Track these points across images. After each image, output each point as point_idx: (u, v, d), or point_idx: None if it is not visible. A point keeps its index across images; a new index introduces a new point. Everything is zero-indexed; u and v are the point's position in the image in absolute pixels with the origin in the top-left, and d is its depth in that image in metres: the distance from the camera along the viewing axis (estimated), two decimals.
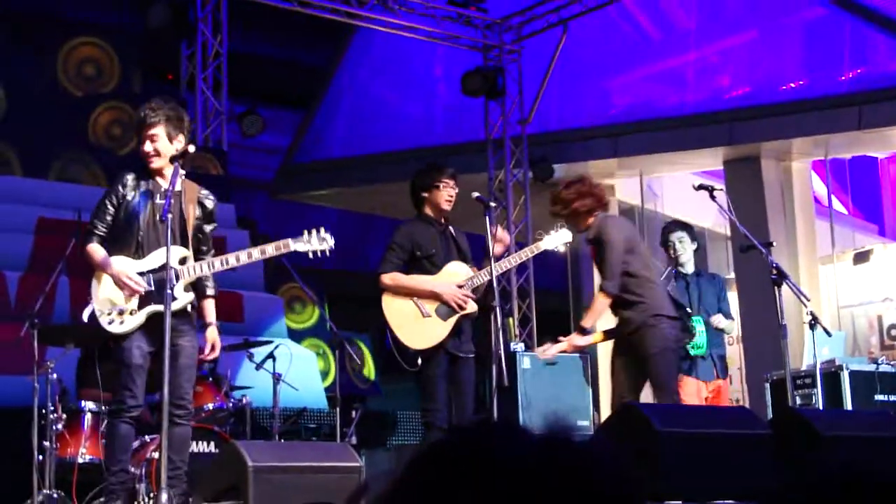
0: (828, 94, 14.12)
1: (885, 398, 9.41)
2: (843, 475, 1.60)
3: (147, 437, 7.77)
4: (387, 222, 19.30)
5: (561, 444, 1.34)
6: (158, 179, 6.49)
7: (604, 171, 16.60)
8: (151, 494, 6.30)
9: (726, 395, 9.36)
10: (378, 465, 10.72)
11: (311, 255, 6.81)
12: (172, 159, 6.36)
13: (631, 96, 16.31)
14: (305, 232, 6.78)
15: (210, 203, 6.67)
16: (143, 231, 6.39)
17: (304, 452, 6.88)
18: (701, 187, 8.06)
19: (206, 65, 14.68)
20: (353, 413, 10.09)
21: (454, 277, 7.35)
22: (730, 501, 6.12)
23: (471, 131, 16.75)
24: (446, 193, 7.44)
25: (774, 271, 7.69)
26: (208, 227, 6.66)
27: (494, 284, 7.12)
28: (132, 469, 7.42)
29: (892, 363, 9.84)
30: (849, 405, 9.20)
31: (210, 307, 6.70)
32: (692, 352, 8.89)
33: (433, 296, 7.27)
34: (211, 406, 8.55)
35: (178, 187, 6.48)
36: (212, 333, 6.67)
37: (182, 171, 6.37)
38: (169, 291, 6.12)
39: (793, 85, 14.66)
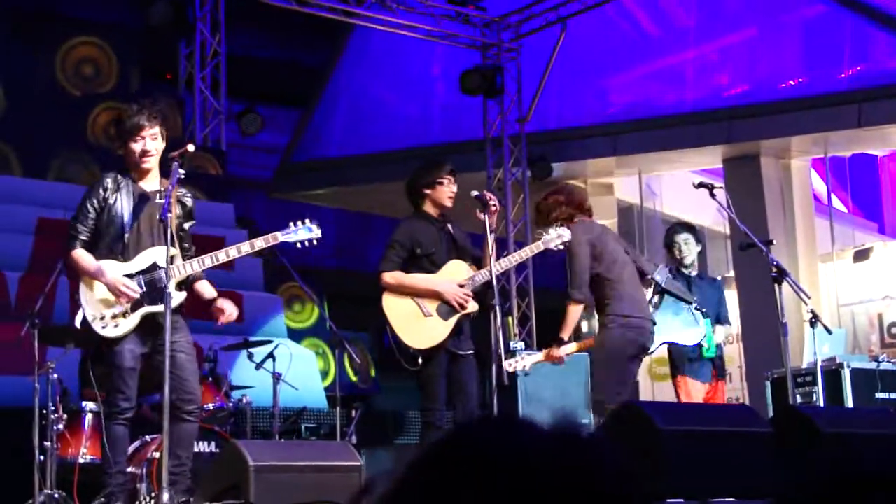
0: (827, 92, 14.12)
1: (886, 396, 9.41)
2: (847, 473, 1.59)
3: (148, 437, 7.77)
4: (385, 221, 19.30)
5: (565, 440, 1.34)
6: (140, 181, 6.48)
7: (602, 169, 16.61)
8: (153, 494, 6.29)
9: (723, 395, 9.35)
10: (378, 464, 10.71)
11: (299, 246, 6.81)
12: (171, 159, 6.35)
13: (630, 94, 16.31)
14: (292, 223, 6.79)
15: (189, 201, 6.67)
16: (128, 233, 6.38)
17: (305, 452, 6.88)
18: (701, 185, 8.06)
19: (205, 64, 14.69)
20: (353, 412, 10.08)
21: (454, 276, 7.32)
22: (731, 499, 6.12)
23: (469, 130, 16.75)
24: (449, 190, 7.43)
25: (775, 269, 7.69)
26: (187, 225, 6.65)
27: (494, 283, 7.12)
28: (133, 469, 7.42)
29: (892, 361, 9.84)
30: (850, 403, 9.20)
31: (206, 287, 6.68)
32: (704, 353, 8.89)
33: (434, 295, 7.25)
34: (211, 406, 8.55)
35: (158, 186, 6.50)
36: (222, 302, 6.66)
37: (182, 172, 6.35)
38: (169, 291, 6.12)
39: (792, 83, 14.66)
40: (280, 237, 6.73)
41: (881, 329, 14.72)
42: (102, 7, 18.12)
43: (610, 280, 7.70)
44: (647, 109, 15.72)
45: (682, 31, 16.11)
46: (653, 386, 15.54)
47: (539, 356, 7.94)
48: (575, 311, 7.69)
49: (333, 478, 6.45)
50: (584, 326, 17.00)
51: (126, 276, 6.32)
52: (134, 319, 6.31)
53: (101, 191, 6.41)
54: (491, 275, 7.12)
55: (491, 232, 7.18)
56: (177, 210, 6.50)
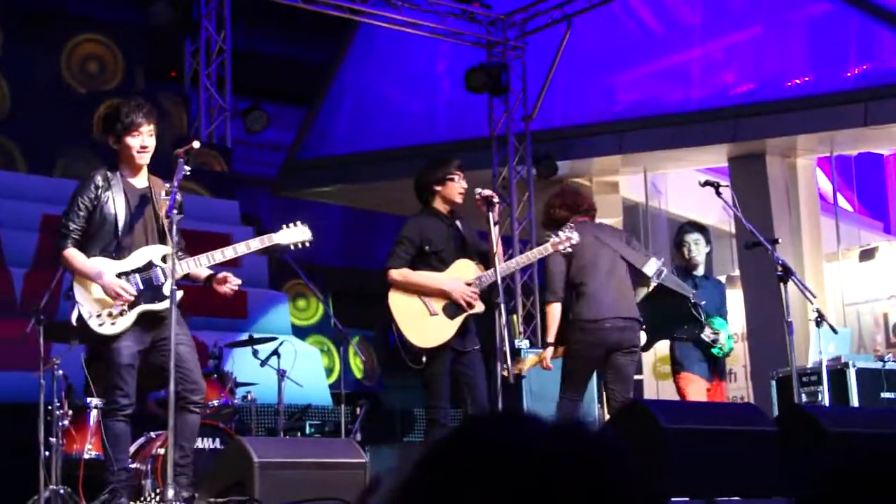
0: (833, 91, 14.10)
1: (892, 395, 9.39)
2: (852, 472, 1.59)
3: (153, 434, 7.78)
4: (390, 219, 19.29)
5: (573, 436, 1.33)
6: (128, 178, 6.48)
7: (608, 167, 16.61)
8: (157, 490, 6.30)
9: (724, 395, 9.33)
10: (383, 461, 10.72)
11: (292, 248, 6.82)
12: (177, 155, 6.35)
13: (635, 93, 16.30)
14: (284, 226, 6.80)
15: (178, 195, 6.64)
16: (121, 231, 6.37)
17: (310, 449, 6.88)
18: (707, 184, 8.06)
19: (210, 61, 14.69)
20: (358, 409, 10.08)
21: (462, 275, 7.29)
22: (736, 498, 6.12)
23: (474, 128, 16.73)
24: (459, 186, 7.40)
25: (780, 268, 7.69)
26: (177, 219, 6.63)
27: (499, 281, 7.11)
28: (137, 465, 7.43)
29: None
30: (855, 402, 9.19)
31: (199, 270, 6.65)
32: (715, 353, 8.89)
33: (442, 294, 7.22)
34: (216, 402, 8.55)
35: (147, 183, 6.51)
36: (220, 275, 6.64)
37: (187, 168, 6.36)
38: (175, 287, 6.13)
39: (798, 81, 14.64)
40: (275, 239, 6.75)
41: (886, 328, 14.70)
42: (107, 4, 18.11)
43: (577, 284, 7.84)
44: (653, 108, 15.71)
45: (688, 29, 16.09)
46: (657, 384, 15.53)
47: (534, 359, 8.07)
48: (551, 312, 7.86)
49: (338, 475, 6.45)
50: None
51: (121, 274, 6.31)
52: (131, 317, 6.30)
53: (92, 188, 6.38)
54: (496, 273, 7.11)
55: (495, 224, 7.18)
56: (164, 206, 6.50)
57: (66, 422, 7.72)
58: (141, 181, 6.52)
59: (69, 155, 12.65)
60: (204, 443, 8.05)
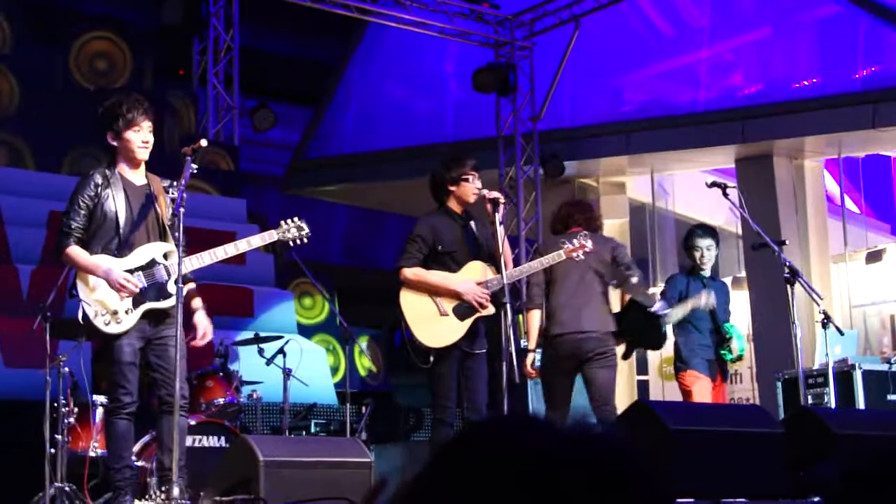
0: (841, 92, 14.07)
1: None
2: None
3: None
4: (397, 219, 19.31)
5: (580, 438, 1.33)
6: (127, 175, 6.47)
7: (615, 168, 16.59)
8: (163, 488, 6.29)
9: (725, 396, 9.32)
10: (389, 460, 10.72)
11: (291, 243, 6.82)
12: (184, 154, 6.36)
13: (643, 93, 16.28)
14: (282, 222, 6.81)
15: (175, 192, 6.62)
16: (122, 228, 6.36)
17: (315, 447, 6.88)
18: (714, 185, 8.07)
19: (218, 60, 14.73)
20: (364, 409, 10.09)
21: (474, 276, 7.28)
22: (742, 500, 6.11)
23: (482, 128, 16.72)
24: (474, 186, 7.38)
25: (787, 270, 7.69)
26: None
27: (505, 282, 7.10)
28: (143, 463, 7.43)
29: None
30: (861, 404, 9.18)
31: (192, 292, 6.66)
32: (726, 356, 8.90)
33: (453, 294, 7.21)
34: (221, 401, 8.56)
35: (145, 181, 6.51)
36: (201, 318, 6.66)
37: (195, 167, 6.36)
38: (181, 285, 6.13)
39: (806, 83, 14.61)
40: (275, 235, 6.77)
41: (893, 330, 14.68)
42: (117, 3, 18.14)
43: (547, 298, 8.02)
44: (661, 109, 15.68)
45: (696, 30, 16.07)
46: (663, 385, 15.52)
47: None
48: (530, 318, 8.02)
49: (343, 474, 6.45)
50: None
51: (124, 272, 6.30)
52: (136, 315, 6.30)
53: (91, 186, 6.36)
54: (502, 273, 7.10)
55: (500, 224, 7.18)
56: (165, 202, 6.50)
57: (71, 419, 7.73)
58: (140, 178, 6.52)
59: (77, 152, 12.67)
60: (209, 441, 8.06)
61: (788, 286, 7.67)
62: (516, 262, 7.72)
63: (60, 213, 6.54)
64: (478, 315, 7.23)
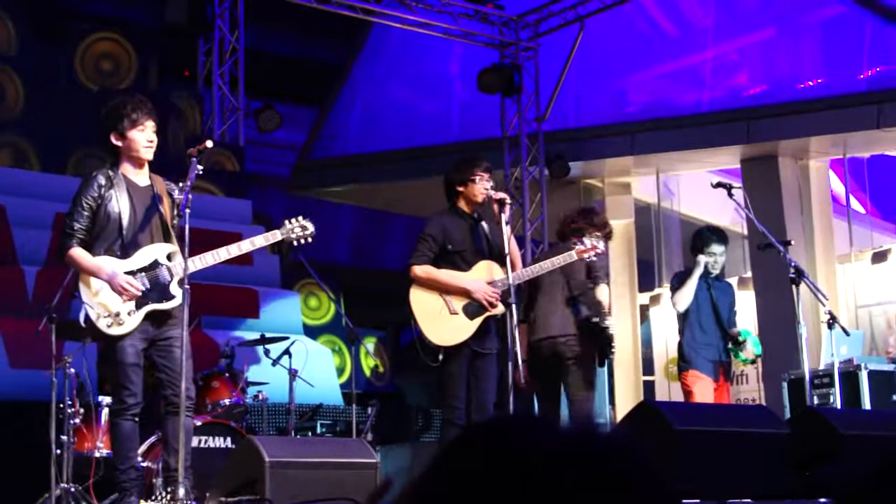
0: (846, 93, 14.07)
1: None
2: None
3: None
4: (402, 219, 19.32)
5: (585, 438, 1.33)
6: (130, 176, 6.47)
7: (620, 168, 16.58)
8: (169, 489, 6.29)
9: (729, 397, 9.31)
10: (395, 461, 10.72)
11: (296, 243, 6.82)
12: (190, 154, 6.35)
13: (648, 94, 16.27)
14: (286, 221, 6.81)
15: (177, 194, 6.61)
16: (125, 229, 6.35)
17: (321, 448, 6.89)
18: (719, 185, 8.07)
19: (223, 61, 14.73)
20: (369, 409, 10.09)
21: (484, 276, 7.31)
22: (748, 500, 6.11)
23: (487, 128, 16.72)
24: (482, 186, 7.40)
25: (793, 270, 7.69)
26: (177, 220, 6.62)
27: (511, 282, 7.11)
28: (149, 464, 7.44)
29: None
30: (867, 405, 9.17)
31: None
32: (740, 358, 8.92)
33: (464, 293, 7.24)
34: (227, 401, 8.57)
35: (149, 181, 6.50)
36: None
37: (200, 168, 6.36)
38: (187, 286, 6.14)
39: (811, 83, 14.61)
40: (279, 235, 6.77)
41: None
42: (122, 3, 18.17)
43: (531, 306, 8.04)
44: (666, 109, 15.68)
45: (701, 30, 16.07)
46: (668, 385, 15.51)
47: None
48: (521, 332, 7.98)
49: (349, 475, 6.46)
50: None
51: (127, 273, 6.29)
52: (138, 317, 6.29)
53: (95, 187, 6.34)
54: (509, 275, 7.11)
55: (506, 224, 7.19)
56: (167, 203, 6.50)
57: (77, 420, 7.74)
58: (143, 179, 6.50)
59: (82, 153, 12.67)
60: (215, 442, 8.06)
61: (794, 287, 7.67)
62: (522, 263, 7.70)
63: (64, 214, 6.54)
64: (487, 314, 7.24)
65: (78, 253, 6.29)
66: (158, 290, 6.35)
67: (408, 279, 7.33)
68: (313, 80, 19.93)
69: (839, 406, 8.88)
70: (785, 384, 9.86)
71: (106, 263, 6.28)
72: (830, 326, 8.10)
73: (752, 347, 8.85)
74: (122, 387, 6.26)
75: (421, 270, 7.28)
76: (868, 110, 13.84)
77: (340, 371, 13.42)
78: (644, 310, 16.75)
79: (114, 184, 6.37)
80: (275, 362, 9.24)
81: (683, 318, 8.97)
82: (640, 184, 17.10)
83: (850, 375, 9.29)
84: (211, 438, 8.10)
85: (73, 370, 7.60)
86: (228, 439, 8.12)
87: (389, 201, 18.60)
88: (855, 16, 14.49)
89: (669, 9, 16.48)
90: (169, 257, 6.42)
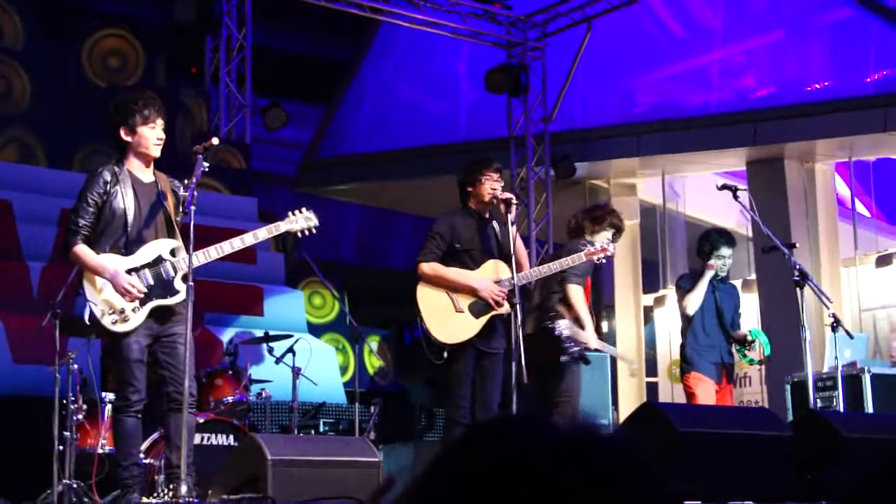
0: (853, 96, 14.05)
1: None
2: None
3: None
4: (408, 218, 19.31)
5: (586, 438, 1.33)
6: (136, 172, 6.46)
7: (626, 169, 16.58)
8: (171, 486, 6.30)
9: (731, 399, 9.31)
10: (398, 460, 10.72)
11: (300, 234, 6.82)
12: (196, 152, 6.36)
13: (654, 95, 16.27)
14: (290, 213, 6.81)
15: (181, 191, 6.61)
16: (131, 226, 6.35)
17: (323, 446, 6.89)
18: (724, 187, 8.07)
19: (231, 58, 14.74)
20: (372, 408, 10.10)
21: (492, 274, 7.31)
22: (749, 503, 6.11)
23: (493, 128, 16.72)
24: (489, 186, 7.42)
25: (797, 273, 7.68)
26: (180, 217, 6.61)
27: (515, 281, 7.11)
28: (151, 461, 7.44)
29: None
30: (870, 408, 9.17)
31: None
32: (748, 360, 8.93)
33: (470, 291, 7.25)
34: (230, 399, 8.57)
35: (153, 178, 6.50)
36: None
37: (206, 165, 6.36)
38: (192, 283, 6.14)
39: (818, 86, 14.60)
40: (283, 227, 6.77)
41: None
42: (130, 1, 18.18)
43: None
44: (672, 110, 15.67)
45: (709, 32, 16.06)
46: (672, 387, 15.50)
47: None
48: None
49: (351, 473, 6.46)
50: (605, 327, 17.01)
51: (131, 269, 6.29)
52: (143, 314, 6.29)
53: (100, 183, 6.34)
54: (513, 274, 7.11)
55: (512, 224, 7.20)
56: (171, 200, 6.51)
57: (80, 416, 7.74)
58: (148, 176, 6.50)
59: (88, 149, 12.68)
60: (218, 439, 8.07)
61: (798, 289, 7.67)
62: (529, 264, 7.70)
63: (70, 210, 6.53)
64: (493, 313, 7.25)
65: (82, 250, 6.29)
66: (162, 285, 6.36)
67: (415, 276, 7.35)
68: (321, 78, 19.93)
69: (842, 409, 8.88)
70: (788, 387, 9.86)
71: (109, 262, 6.28)
72: (834, 329, 8.11)
73: (761, 348, 8.84)
74: (126, 383, 6.26)
75: (428, 267, 7.30)
76: (875, 114, 13.83)
77: (344, 369, 13.42)
78: (648, 311, 16.74)
79: (119, 180, 6.37)
80: (278, 360, 9.25)
81: (687, 320, 8.96)
82: (645, 185, 17.09)
83: (853, 379, 9.29)
84: (214, 436, 8.11)
85: (76, 366, 7.61)
86: (231, 437, 8.13)
87: (395, 200, 18.60)
88: (862, 19, 14.49)
89: (677, 10, 16.48)
90: (173, 253, 6.43)
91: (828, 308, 8.16)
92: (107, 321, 6.24)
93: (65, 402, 7.50)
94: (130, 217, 6.34)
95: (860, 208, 17.31)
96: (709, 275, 8.86)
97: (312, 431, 10.25)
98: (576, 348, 7.95)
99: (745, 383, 14.04)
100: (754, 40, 15.63)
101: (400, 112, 17.96)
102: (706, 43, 16.01)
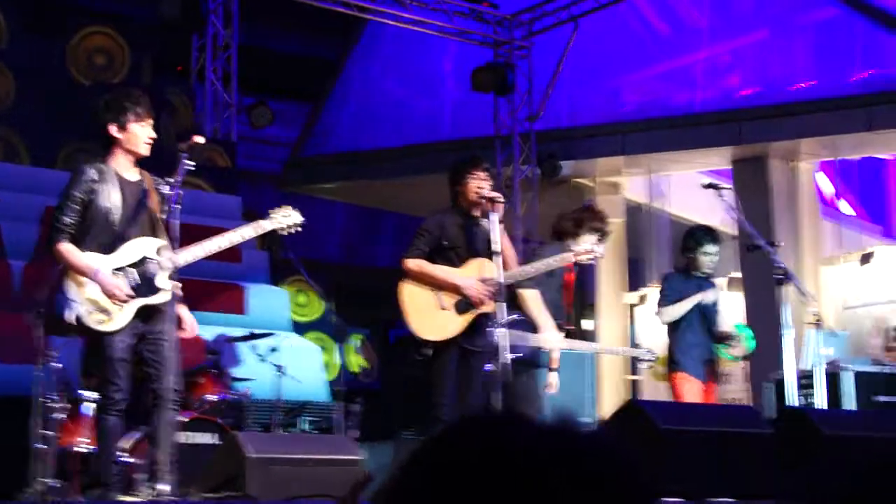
0: (838, 95, 14.08)
1: (888, 399, 9.39)
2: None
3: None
4: (394, 217, 19.30)
5: (565, 436, 1.34)
6: (121, 171, 6.44)
7: (611, 168, 16.59)
8: (153, 484, 6.28)
9: (716, 397, 9.32)
10: (380, 458, 10.72)
11: (284, 232, 6.82)
12: (180, 150, 6.34)
13: (640, 94, 16.28)
14: (271, 211, 6.81)
15: (166, 189, 6.58)
16: (116, 224, 6.32)
17: (305, 444, 6.89)
18: (709, 186, 8.09)
19: (217, 57, 14.73)
20: (354, 407, 10.09)
21: (478, 273, 7.31)
22: (731, 500, 6.12)
23: (479, 127, 16.73)
24: (475, 185, 7.41)
25: (780, 271, 7.70)
26: (166, 215, 6.59)
27: (501, 281, 7.11)
28: (132, 459, 7.42)
29: (894, 364, 9.81)
30: (850, 406, 9.19)
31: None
32: (727, 357, 8.95)
33: (454, 288, 7.25)
34: (214, 397, 8.56)
35: (138, 177, 6.48)
36: (184, 312, 6.63)
37: (190, 163, 6.35)
38: (177, 282, 6.13)
39: (803, 85, 14.63)
40: (267, 225, 6.76)
41: (884, 332, 14.66)
42: None
43: None
44: (657, 109, 15.69)
45: (694, 31, 16.08)
46: (655, 385, 15.51)
47: None
48: None
49: (333, 471, 6.46)
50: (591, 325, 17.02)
51: (116, 268, 6.27)
52: (129, 313, 6.28)
53: (86, 181, 6.30)
54: (500, 273, 7.11)
55: (501, 223, 7.21)
56: (156, 198, 6.49)
57: (61, 415, 7.71)
58: (133, 174, 6.48)
59: (72, 147, 12.64)
60: (202, 438, 8.06)
61: (781, 288, 7.68)
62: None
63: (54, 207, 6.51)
64: (477, 311, 7.25)
65: (68, 249, 6.26)
66: (147, 284, 6.34)
67: (400, 272, 7.36)
68: (306, 77, 19.91)
69: (824, 406, 8.89)
70: (770, 384, 9.87)
71: (95, 262, 6.25)
72: (816, 327, 8.12)
73: (744, 344, 8.85)
74: (109, 382, 6.24)
75: (414, 264, 7.31)
76: (859, 113, 13.86)
77: (328, 368, 13.41)
78: (632, 309, 16.75)
79: (105, 178, 6.34)
80: (262, 359, 9.24)
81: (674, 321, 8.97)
82: (631, 184, 17.10)
83: (834, 376, 9.31)
84: (197, 434, 8.09)
85: (60, 365, 7.58)
86: (216, 436, 8.12)
87: (381, 199, 18.59)
88: (847, 19, 14.52)
89: (663, 9, 16.50)
90: (158, 252, 6.41)
91: (810, 306, 8.18)
92: (92, 321, 6.21)
93: (46, 400, 7.46)
94: (116, 216, 6.32)
95: (845, 207, 17.37)
96: (697, 297, 8.83)
97: (296, 429, 10.24)
98: (513, 355, 7.56)
99: (727, 381, 14.06)
100: (739, 40, 15.65)
101: (386, 110, 17.95)
102: (692, 42, 16.03)
